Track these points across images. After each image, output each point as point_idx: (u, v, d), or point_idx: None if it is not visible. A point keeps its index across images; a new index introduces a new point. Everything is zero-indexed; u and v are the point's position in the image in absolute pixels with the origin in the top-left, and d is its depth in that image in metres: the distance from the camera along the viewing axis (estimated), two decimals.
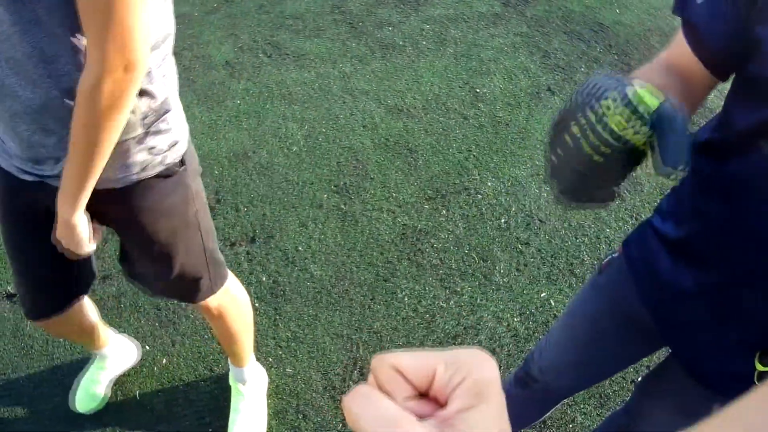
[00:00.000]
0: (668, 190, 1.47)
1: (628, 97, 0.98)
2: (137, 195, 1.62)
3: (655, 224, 1.46)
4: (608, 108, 0.99)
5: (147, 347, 2.69)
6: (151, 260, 1.82)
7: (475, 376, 0.44)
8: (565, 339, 1.84)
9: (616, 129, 0.98)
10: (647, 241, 1.49)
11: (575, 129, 1.04)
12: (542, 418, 2.32)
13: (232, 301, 2.16)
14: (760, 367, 1.28)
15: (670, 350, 1.63)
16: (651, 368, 1.87)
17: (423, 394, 0.47)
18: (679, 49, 1.25)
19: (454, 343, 2.78)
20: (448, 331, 2.83)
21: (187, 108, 3.61)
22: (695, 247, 1.34)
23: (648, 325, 1.52)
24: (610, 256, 1.67)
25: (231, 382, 2.51)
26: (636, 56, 4.33)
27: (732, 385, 1.41)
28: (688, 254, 1.36)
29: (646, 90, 1.00)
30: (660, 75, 1.26)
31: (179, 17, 4.45)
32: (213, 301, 2.05)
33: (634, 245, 1.55)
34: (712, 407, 1.55)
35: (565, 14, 4.79)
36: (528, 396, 2.04)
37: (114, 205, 1.63)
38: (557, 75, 4.20)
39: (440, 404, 0.46)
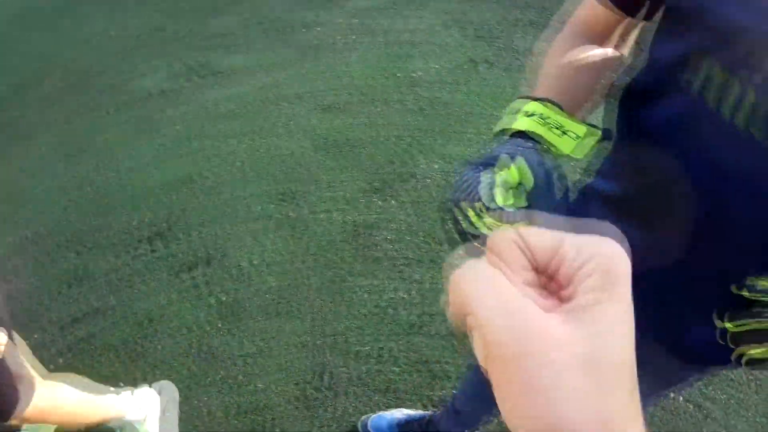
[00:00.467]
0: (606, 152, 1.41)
1: (493, 203, 1.01)
2: None
3: (597, 187, 1.42)
4: (480, 210, 1.01)
5: (121, 384, 2.60)
6: None
7: (605, 266, 0.41)
8: None
9: (490, 228, 1.01)
10: (590, 204, 1.44)
11: (459, 216, 1.05)
12: None
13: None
14: (720, 324, 1.21)
15: None
16: None
17: (543, 274, 0.44)
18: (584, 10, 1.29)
19: (419, 333, 2.74)
20: (412, 321, 2.78)
21: (129, 141, 3.61)
22: (638, 203, 1.29)
23: None
24: None
25: None
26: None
27: (697, 349, 1.37)
28: (631, 212, 1.28)
29: (511, 175, 1.04)
30: (561, 71, 1.28)
31: (111, 53, 4.44)
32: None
33: (578, 209, 1.48)
34: (685, 374, 1.52)
35: None
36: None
37: None
38: (493, 45, 4.17)
39: (561, 288, 0.43)
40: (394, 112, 3.72)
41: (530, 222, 0.90)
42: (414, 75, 3.96)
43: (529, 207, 1.03)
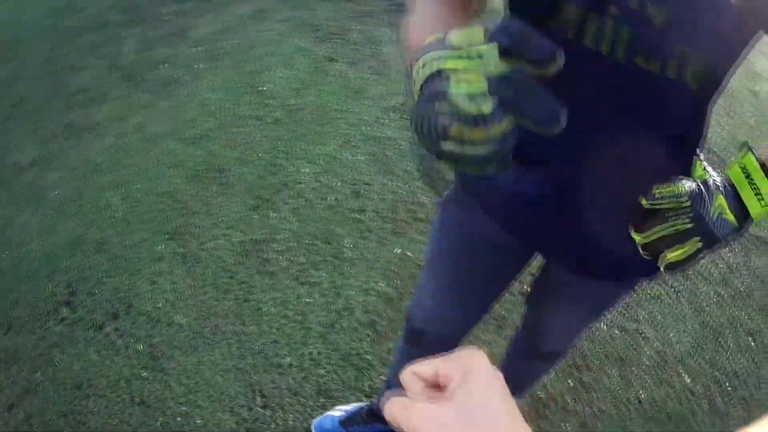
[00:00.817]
0: None
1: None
2: None
3: None
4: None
5: None
6: None
7: (462, 367, 0.62)
8: (436, 283, 1.87)
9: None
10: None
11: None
12: None
13: None
14: (638, 238, 1.34)
15: (542, 257, 1.70)
16: (534, 275, 1.93)
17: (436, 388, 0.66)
18: None
19: (333, 331, 2.86)
20: (322, 322, 2.89)
21: (14, 217, 3.62)
22: (529, 153, 1.32)
23: (508, 241, 1.56)
24: (446, 192, 1.70)
25: None
26: None
27: (621, 268, 1.51)
28: (521, 161, 1.29)
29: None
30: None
31: None
32: None
33: (465, 176, 1.58)
34: (609, 293, 1.65)
35: None
36: (425, 352, 2.07)
37: None
38: (334, 42, 4.32)
39: (444, 389, 0.64)
40: (253, 129, 3.82)
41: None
42: (264, 89, 4.07)
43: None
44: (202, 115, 4.01)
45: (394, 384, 2.23)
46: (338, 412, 2.58)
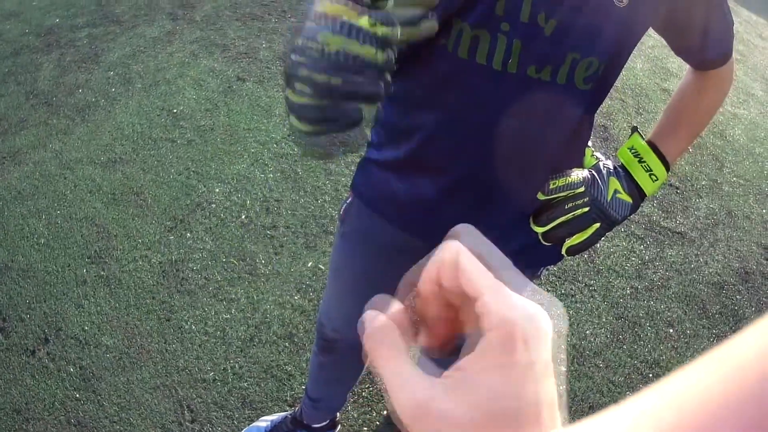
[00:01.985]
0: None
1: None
2: None
3: (374, 157, 1.56)
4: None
5: None
6: None
7: (508, 334, 0.44)
8: (341, 293, 1.91)
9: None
10: (373, 175, 1.58)
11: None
12: (364, 373, 2.41)
13: None
14: (538, 229, 1.48)
15: None
16: None
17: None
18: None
19: (252, 345, 3.00)
20: (242, 336, 3.03)
21: None
22: (421, 159, 1.44)
23: (411, 243, 1.58)
24: (344, 204, 1.76)
25: None
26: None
27: (524, 258, 1.59)
28: (417, 168, 1.46)
29: None
30: None
31: None
32: None
33: (363, 185, 1.64)
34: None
35: (233, 3, 5.06)
36: (339, 359, 2.12)
37: None
38: (242, 62, 4.45)
39: (461, 324, 0.51)
40: (166, 151, 3.94)
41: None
42: (175, 111, 4.20)
43: None
44: (117, 139, 4.11)
45: (313, 394, 2.39)
46: (264, 422, 2.67)
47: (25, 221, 3.73)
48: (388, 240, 1.66)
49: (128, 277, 3.33)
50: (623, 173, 1.50)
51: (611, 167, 1.50)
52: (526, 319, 0.44)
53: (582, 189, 1.43)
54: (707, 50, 1.42)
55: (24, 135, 4.37)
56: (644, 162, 1.49)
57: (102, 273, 3.38)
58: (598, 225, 1.45)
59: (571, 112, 1.35)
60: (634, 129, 1.59)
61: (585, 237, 1.47)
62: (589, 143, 1.54)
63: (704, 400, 0.29)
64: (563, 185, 1.41)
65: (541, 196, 1.43)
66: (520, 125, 1.32)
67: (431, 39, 1.16)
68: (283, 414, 2.70)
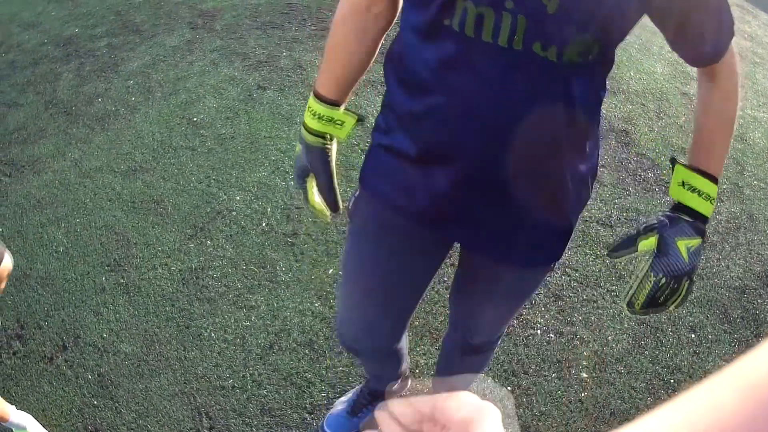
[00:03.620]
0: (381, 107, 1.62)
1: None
2: None
3: (384, 143, 1.58)
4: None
5: None
6: None
7: (470, 409, 0.56)
8: (356, 300, 1.93)
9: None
10: (383, 163, 1.61)
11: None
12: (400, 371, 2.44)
13: None
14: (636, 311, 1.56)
15: (461, 249, 1.80)
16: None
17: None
18: None
19: (272, 352, 2.97)
20: (261, 344, 3.00)
21: None
22: (432, 144, 1.47)
23: (423, 235, 1.64)
24: (353, 197, 1.77)
25: None
26: (330, 17, 4.54)
27: (528, 253, 1.63)
28: (428, 154, 1.49)
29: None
30: (336, 57, 1.62)
31: None
32: None
33: (372, 175, 1.66)
34: (527, 277, 1.78)
35: (253, 12, 5.06)
36: (371, 356, 2.22)
37: None
38: (263, 70, 4.44)
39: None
40: (186, 159, 3.94)
41: None
42: (196, 119, 4.20)
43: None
44: (137, 148, 4.11)
45: (372, 372, 2.50)
46: (341, 405, 2.69)
47: (44, 229, 3.73)
48: (399, 232, 1.67)
49: (147, 285, 3.31)
50: (681, 217, 1.51)
51: (667, 224, 1.51)
52: (476, 411, 0.55)
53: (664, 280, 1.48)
54: (702, 44, 1.40)
55: (43, 144, 4.38)
56: (696, 190, 1.50)
57: (121, 281, 3.36)
58: (688, 283, 1.50)
59: (579, 90, 1.35)
60: (673, 161, 1.58)
61: (683, 296, 1.51)
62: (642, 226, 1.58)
63: (717, 419, 0.31)
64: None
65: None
66: (529, 106, 1.33)
67: (437, 20, 1.29)
68: (354, 391, 2.73)
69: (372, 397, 2.63)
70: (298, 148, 1.69)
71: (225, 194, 3.66)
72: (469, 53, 1.30)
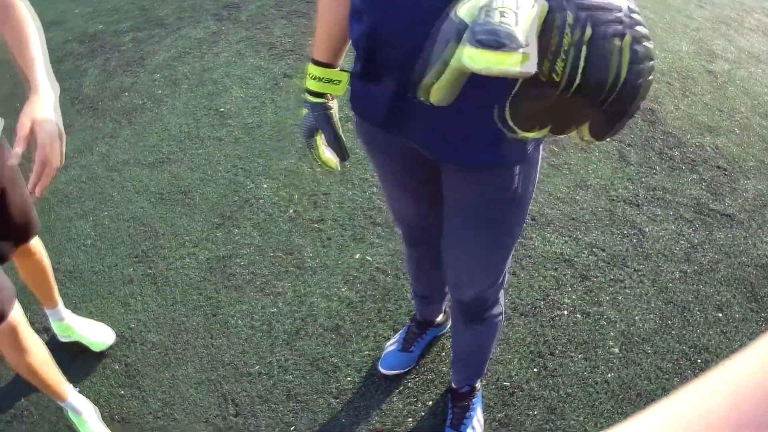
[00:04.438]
0: None
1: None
2: None
3: (353, 71, 1.74)
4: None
5: None
6: None
7: None
8: (387, 193, 2.17)
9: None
10: (354, 88, 1.79)
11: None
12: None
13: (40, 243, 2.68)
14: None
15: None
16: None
17: None
18: None
19: (298, 338, 2.95)
20: (288, 329, 2.99)
21: None
22: (372, 63, 1.63)
23: (393, 142, 1.81)
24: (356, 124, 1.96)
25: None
26: None
27: (477, 151, 1.63)
28: (371, 72, 1.65)
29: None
30: (327, 26, 1.77)
31: None
32: (36, 241, 2.61)
33: (352, 99, 1.82)
34: (495, 189, 1.76)
35: (278, 2, 5.05)
36: (420, 249, 2.35)
37: None
38: (289, 59, 4.43)
39: None
40: (213, 149, 3.93)
41: None
42: (222, 109, 4.18)
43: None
44: (164, 140, 4.10)
45: (420, 291, 2.63)
46: (393, 345, 2.81)
47: (72, 223, 3.72)
48: (377, 138, 1.89)
49: (175, 275, 3.30)
50: None
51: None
52: None
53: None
54: None
55: (70, 140, 4.36)
56: None
57: (149, 271, 3.35)
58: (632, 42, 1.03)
59: None
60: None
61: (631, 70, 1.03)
62: None
63: (707, 423, 0.32)
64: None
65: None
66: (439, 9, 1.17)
67: None
68: (403, 328, 2.86)
69: (420, 329, 2.77)
70: (304, 111, 1.85)
71: (252, 182, 3.64)
72: None
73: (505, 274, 2.07)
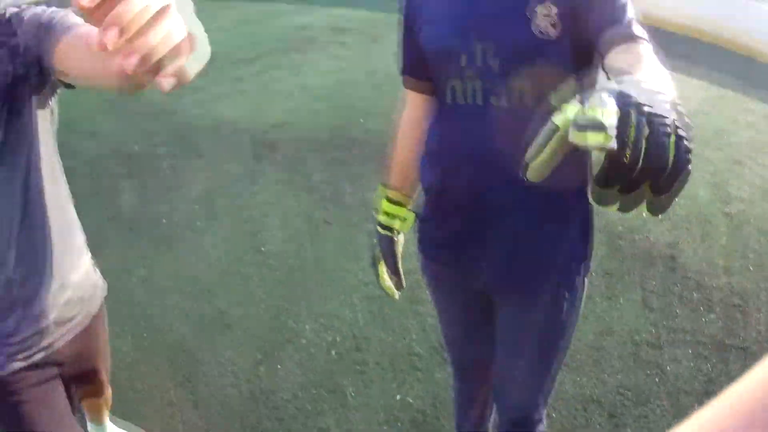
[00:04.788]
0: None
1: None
2: None
3: (421, 216, 2.04)
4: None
5: None
6: None
7: None
8: (444, 332, 2.38)
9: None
10: (419, 230, 2.07)
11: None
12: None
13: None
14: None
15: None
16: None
17: None
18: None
19: None
20: None
21: None
22: (443, 202, 1.90)
23: (451, 277, 2.10)
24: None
25: None
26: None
27: (553, 260, 1.87)
28: (440, 211, 1.94)
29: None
30: (401, 158, 2.05)
31: None
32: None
33: (420, 242, 2.10)
34: (544, 315, 2.01)
35: (315, 145, 5.37)
36: (468, 383, 2.48)
37: None
38: (328, 205, 4.71)
39: None
40: (255, 287, 4.12)
41: None
42: (263, 249, 4.41)
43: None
44: (202, 271, 4.29)
45: (464, 427, 2.64)
46: None
47: (113, 341, 3.73)
48: (446, 281, 2.12)
49: (217, 403, 3.43)
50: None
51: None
52: None
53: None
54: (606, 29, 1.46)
55: (106, 257, 4.38)
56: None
57: (190, 396, 3.48)
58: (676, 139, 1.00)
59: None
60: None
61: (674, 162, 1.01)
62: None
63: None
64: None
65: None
66: (505, 150, 1.44)
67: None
68: None
69: None
70: (374, 240, 2.10)
71: (294, 323, 3.83)
72: (451, 116, 1.76)
73: (550, 392, 2.26)
